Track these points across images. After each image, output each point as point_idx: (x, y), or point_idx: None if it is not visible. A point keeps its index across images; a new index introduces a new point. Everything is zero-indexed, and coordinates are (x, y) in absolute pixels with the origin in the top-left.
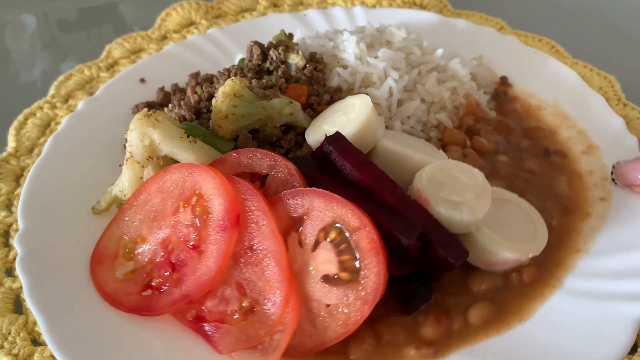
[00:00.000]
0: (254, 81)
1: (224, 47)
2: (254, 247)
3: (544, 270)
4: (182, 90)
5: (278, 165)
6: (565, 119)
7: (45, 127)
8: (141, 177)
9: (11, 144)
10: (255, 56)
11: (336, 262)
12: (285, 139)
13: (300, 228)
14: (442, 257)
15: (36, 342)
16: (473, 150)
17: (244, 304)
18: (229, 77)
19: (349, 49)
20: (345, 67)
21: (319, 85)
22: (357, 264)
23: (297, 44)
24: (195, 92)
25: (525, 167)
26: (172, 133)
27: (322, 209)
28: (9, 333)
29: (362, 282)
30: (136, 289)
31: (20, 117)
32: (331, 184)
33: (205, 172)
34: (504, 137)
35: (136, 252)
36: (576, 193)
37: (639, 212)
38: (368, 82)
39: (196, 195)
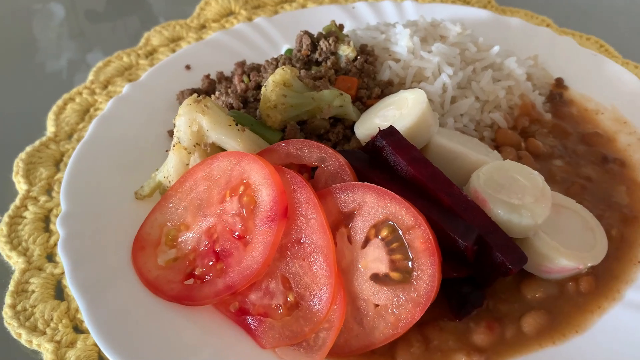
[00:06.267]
0: (302, 72)
1: (270, 36)
2: (302, 241)
3: (602, 281)
4: (228, 79)
5: (328, 157)
6: (624, 125)
7: (85, 112)
8: (187, 164)
9: (50, 128)
10: (304, 46)
11: (387, 261)
12: (333, 131)
13: (350, 224)
14: (499, 262)
15: (78, 329)
16: (527, 152)
17: (289, 299)
18: (277, 66)
19: (402, 42)
20: (397, 60)
21: (369, 78)
22: (409, 264)
23: (347, 36)
24: (242, 81)
25: (582, 173)
26: (221, 120)
27: (374, 205)
28: (51, 319)
29: (415, 283)
30: (178, 278)
31: (60, 102)
32: (383, 180)
33: (254, 161)
34: (560, 141)
35: (179, 240)
36: (636, 202)
37: None
38: (420, 76)
39: (243, 184)
